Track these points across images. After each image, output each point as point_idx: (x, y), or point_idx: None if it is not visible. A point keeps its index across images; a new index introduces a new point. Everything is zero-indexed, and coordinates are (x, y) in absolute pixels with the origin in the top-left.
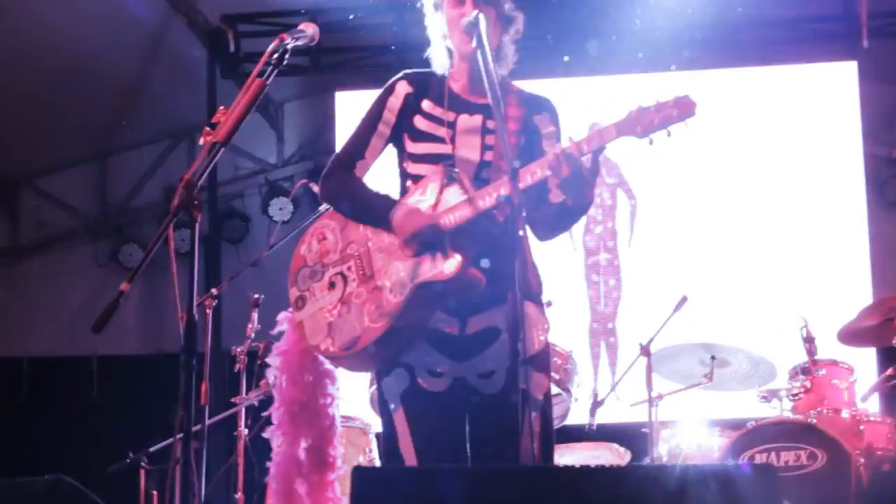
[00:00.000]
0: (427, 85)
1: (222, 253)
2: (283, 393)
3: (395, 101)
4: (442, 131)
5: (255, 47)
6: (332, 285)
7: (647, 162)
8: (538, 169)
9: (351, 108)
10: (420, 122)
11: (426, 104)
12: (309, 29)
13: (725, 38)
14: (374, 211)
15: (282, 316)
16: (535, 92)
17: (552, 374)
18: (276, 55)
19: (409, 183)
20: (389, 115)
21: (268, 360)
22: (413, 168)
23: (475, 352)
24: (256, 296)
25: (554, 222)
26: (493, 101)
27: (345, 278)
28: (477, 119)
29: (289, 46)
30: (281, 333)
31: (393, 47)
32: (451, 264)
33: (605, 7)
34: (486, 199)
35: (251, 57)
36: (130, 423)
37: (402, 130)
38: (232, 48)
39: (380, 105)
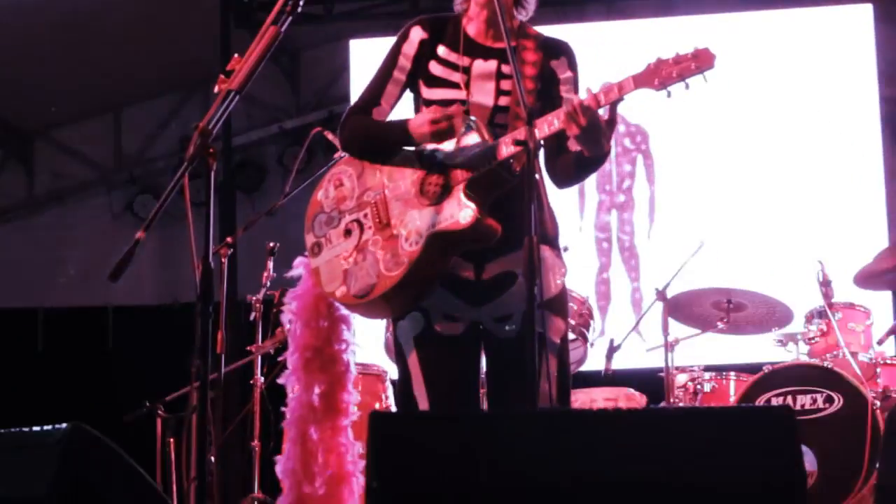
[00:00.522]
0: (442, 30)
1: (237, 202)
2: (297, 338)
3: (410, 47)
4: (456, 77)
5: None
6: (348, 232)
7: (660, 107)
8: (554, 119)
9: (366, 56)
10: (435, 68)
11: (441, 50)
12: None
13: None
14: (391, 130)
15: (298, 261)
16: (554, 36)
17: (569, 319)
18: (289, 3)
19: None
20: (404, 62)
21: (283, 305)
22: None
23: (492, 296)
24: (272, 244)
25: (571, 171)
26: (508, 46)
27: (361, 226)
28: (492, 64)
29: None
30: (296, 278)
31: None
32: (466, 214)
33: None
34: (504, 149)
35: (264, 6)
36: (146, 372)
37: (418, 76)
38: None
39: (395, 52)
